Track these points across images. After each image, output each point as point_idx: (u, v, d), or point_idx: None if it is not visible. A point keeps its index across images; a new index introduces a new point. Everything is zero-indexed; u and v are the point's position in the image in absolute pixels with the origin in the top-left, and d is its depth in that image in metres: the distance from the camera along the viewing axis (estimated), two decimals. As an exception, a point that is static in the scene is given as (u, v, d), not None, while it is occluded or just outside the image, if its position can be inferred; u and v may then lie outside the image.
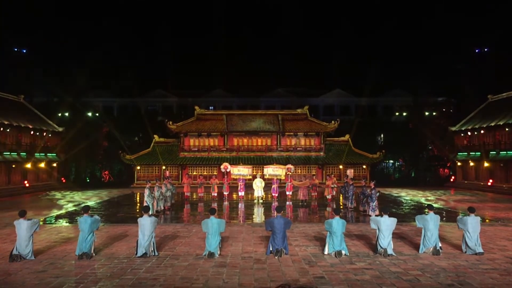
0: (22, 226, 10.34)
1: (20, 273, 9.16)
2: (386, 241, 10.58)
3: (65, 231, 14.57)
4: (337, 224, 10.58)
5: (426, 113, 49.22)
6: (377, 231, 10.76)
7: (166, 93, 66.74)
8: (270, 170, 25.93)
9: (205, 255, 10.49)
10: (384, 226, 10.60)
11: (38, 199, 28.73)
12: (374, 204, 18.05)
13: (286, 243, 10.82)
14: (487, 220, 17.26)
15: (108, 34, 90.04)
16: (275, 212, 11.17)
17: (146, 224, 10.57)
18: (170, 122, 42.94)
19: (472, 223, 10.83)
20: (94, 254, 10.60)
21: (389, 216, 10.87)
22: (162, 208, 20.20)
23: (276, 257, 10.39)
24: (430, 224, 10.83)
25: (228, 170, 26.24)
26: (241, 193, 25.48)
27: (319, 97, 66.80)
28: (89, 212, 11.02)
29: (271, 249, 10.73)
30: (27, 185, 34.78)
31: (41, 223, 12.43)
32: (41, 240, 12.60)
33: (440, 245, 10.88)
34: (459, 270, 9.26)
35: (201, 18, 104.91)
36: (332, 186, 24.68)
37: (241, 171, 26.39)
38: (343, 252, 10.58)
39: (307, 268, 9.52)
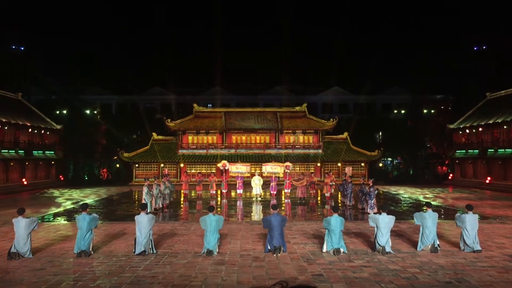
0: (21, 224, 10.33)
1: (18, 271, 9.15)
2: (384, 239, 10.59)
3: (63, 229, 14.56)
4: (335, 221, 10.59)
5: (425, 111, 49.27)
6: (376, 228, 10.78)
7: (164, 90, 66.54)
8: (269, 168, 25.82)
9: (203, 253, 10.49)
10: (383, 224, 10.62)
11: (36, 197, 28.67)
12: (372, 202, 18.08)
13: (284, 241, 10.83)
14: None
15: (106, 31, 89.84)
16: (272, 210, 11.17)
17: (143, 221, 10.57)
18: (169, 120, 42.86)
19: (470, 221, 10.85)
20: (92, 252, 10.60)
21: (388, 213, 10.88)
22: (161, 206, 20.21)
23: (274, 255, 10.40)
24: (428, 221, 10.85)
25: (226, 168, 26.20)
26: (240, 191, 25.48)
27: (317, 94, 66.68)
28: (88, 210, 11.02)
29: (269, 247, 10.73)
30: (25, 183, 34.69)
31: (39, 221, 12.39)
32: (39, 238, 12.58)
33: (438, 242, 10.91)
34: (457, 268, 9.28)
35: (199, 16, 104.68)
36: (331, 183, 24.69)
37: (239, 168, 26.29)
38: (342, 249, 10.60)
39: (306, 265, 9.53)
